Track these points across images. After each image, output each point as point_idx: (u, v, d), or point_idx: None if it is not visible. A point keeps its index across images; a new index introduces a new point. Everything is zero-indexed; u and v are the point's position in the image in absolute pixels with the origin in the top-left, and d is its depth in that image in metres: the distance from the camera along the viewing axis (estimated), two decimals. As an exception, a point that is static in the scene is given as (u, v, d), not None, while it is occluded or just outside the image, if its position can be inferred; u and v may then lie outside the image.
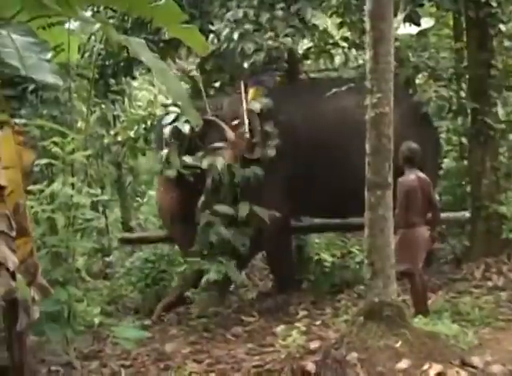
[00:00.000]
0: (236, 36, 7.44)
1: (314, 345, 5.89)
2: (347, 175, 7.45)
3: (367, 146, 5.25)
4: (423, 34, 8.54)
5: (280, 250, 8.27)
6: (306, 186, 7.74)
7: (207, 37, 7.86)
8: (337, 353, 5.05)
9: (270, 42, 7.33)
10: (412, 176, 6.33)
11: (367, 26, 5.23)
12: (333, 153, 7.67)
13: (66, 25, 6.39)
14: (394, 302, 5.23)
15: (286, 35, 7.40)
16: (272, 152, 7.55)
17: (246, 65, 7.56)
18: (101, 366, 6.15)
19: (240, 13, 7.50)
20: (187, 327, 7.27)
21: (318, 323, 6.78)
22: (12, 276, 4.11)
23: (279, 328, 6.52)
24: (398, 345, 4.96)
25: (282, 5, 7.63)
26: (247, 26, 7.46)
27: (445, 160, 10.10)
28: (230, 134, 7.55)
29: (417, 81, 8.75)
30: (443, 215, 7.48)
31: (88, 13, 8.65)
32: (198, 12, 8.40)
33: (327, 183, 7.71)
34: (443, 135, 10.06)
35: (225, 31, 7.52)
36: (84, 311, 6.59)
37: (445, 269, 8.51)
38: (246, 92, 7.85)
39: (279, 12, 7.52)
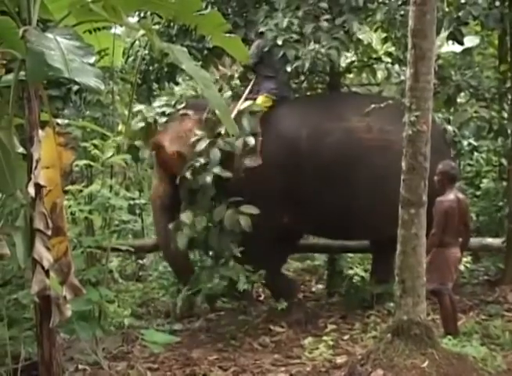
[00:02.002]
0: (280, 42, 7.47)
1: (340, 359, 5.92)
2: (348, 196, 7.41)
3: (403, 164, 5.23)
4: (467, 52, 8.49)
5: (271, 264, 7.82)
6: (303, 201, 7.56)
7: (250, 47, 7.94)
8: (362, 370, 5.03)
9: (313, 53, 7.31)
10: (451, 196, 6.29)
11: (409, 44, 5.23)
12: (333, 174, 7.45)
13: (112, 30, 6.51)
14: (422, 321, 5.19)
15: (330, 48, 7.37)
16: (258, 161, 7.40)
17: (289, 69, 7.56)
18: (128, 367, 6.20)
19: (285, 23, 7.52)
20: (215, 334, 7.29)
21: (346, 337, 6.77)
22: (47, 273, 4.19)
23: (307, 341, 6.55)
24: (424, 364, 4.93)
25: (327, 16, 7.64)
26: (291, 35, 7.48)
27: (484, 180, 10.01)
28: None
29: (458, 100, 8.67)
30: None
31: (135, 19, 8.79)
32: (243, 21, 8.46)
33: (326, 202, 7.51)
34: (483, 155, 9.99)
35: (270, 35, 7.53)
36: (114, 312, 6.67)
37: (478, 290, 8.42)
38: (254, 99, 7.75)
39: (324, 24, 7.53)
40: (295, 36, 7.52)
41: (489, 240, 8.68)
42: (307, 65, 7.36)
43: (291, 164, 7.42)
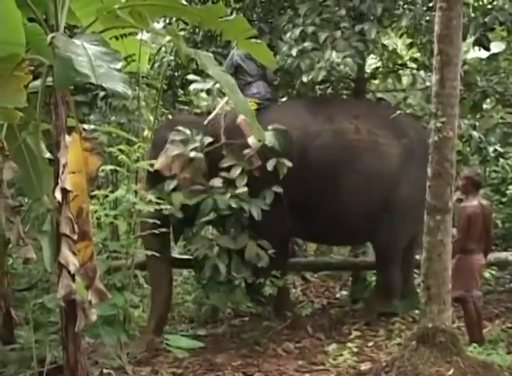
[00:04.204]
0: (293, 53, 7.45)
1: (365, 366, 5.88)
2: (338, 202, 7.35)
3: (429, 170, 5.21)
4: (493, 58, 8.43)
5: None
6: (304, 206, 7.44)
7: (275, 53, 7.95)
8: (386, 377, 5.01)
9: (328, 62, 7.26)
10: (475, 202, 6.25)
11: (435, 50, 5.22)
12: (327, 178, 7.34)
13: (139, 36, 6.56)
14: (448, 329, 5.16)
15: (345, 56, 7.32)
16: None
17: (305, 79, 7.51)
18: (152, 372, 6.22)
19: (297, 32, 7.48)
20: (239, 339, 7.27)
21: (370, 344, 6.71)
22: (73, 278, 4.22)
23: (331, 347, 6.53)
24: (450, 372, 4.89)
25: (345, 24, 7.60)
26: (306, 44, 7.43)
27: (510, 187, 9.93)
28: None
29: (484, 106, 8.63)
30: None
31: (160, 25, 8.84)
32: (268, 27, 8.47)
33: (323, 207, 7.44)
34: (509, 162, 9.90)
35: (285, 48, 7.51)
36: (139, 317, 6.70)
37: (504, 297, 8.34)
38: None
39: (339, 32, 7.48)
40: (311, 44, 7.48)
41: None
42: (320, 76, 7.34)
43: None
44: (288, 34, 7.60)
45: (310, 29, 7.48)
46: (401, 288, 7.67)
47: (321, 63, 7.29)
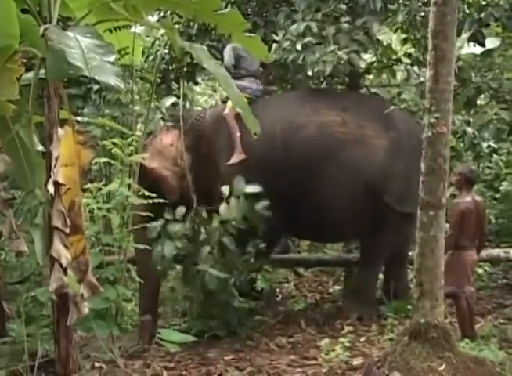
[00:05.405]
0: (298, 47, 7.39)
1: (357, 361, 5.89)
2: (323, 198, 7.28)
3: (422, 166, 5.20)
4: (488, 54, 8.43)
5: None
6: (291, 202, 7.33)
7: (270, 47, 7.92)
8: (379, 372, 5.00)
9: (335, 55, 7.22)
10: (468, 198, 6.25)
11: (429, 45, 5.20)
12: (311, 174, 7.26)
13: (133, 29, 6.53)
14: (440, 324, 5.15)
15: (350, 52, 7.27)
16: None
17: (310, 73, 7.45)
18: (144, 366, 6.22)
19: (302, 27, 7.43)
20: (232, 334, 7.27)
21: (362, 339, 6.72)
22: (65, 271, 4.21)
23: (324, 342, 6.53)
24: (442, 368, 4.89)
25: (347, 18, 7.57)
26: (310, 38, 7.39)
27: (504, 183, 9.95)
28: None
29: (478, 102, 8.62)
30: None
31: (155, 18, 8.82)
32: (262, 21, 8.45)
33: (309, 203, 7.34)
34: (503, 158, 9.93)
35: (286, 44, 7.45)
36: (131, 310, 6.68)
37: (496, 293, 8.35)
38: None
39: (344, 26, 7.44)
40: (314, 39, 7.43)
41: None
42: (328, 70, 7.28)
43: (268, 160, 7.27)
44: (290, 29, 7.53)
45: (313, 25, 7.40)
46: (394, 285, 7.68)
47: (327, 56, 7.24)
